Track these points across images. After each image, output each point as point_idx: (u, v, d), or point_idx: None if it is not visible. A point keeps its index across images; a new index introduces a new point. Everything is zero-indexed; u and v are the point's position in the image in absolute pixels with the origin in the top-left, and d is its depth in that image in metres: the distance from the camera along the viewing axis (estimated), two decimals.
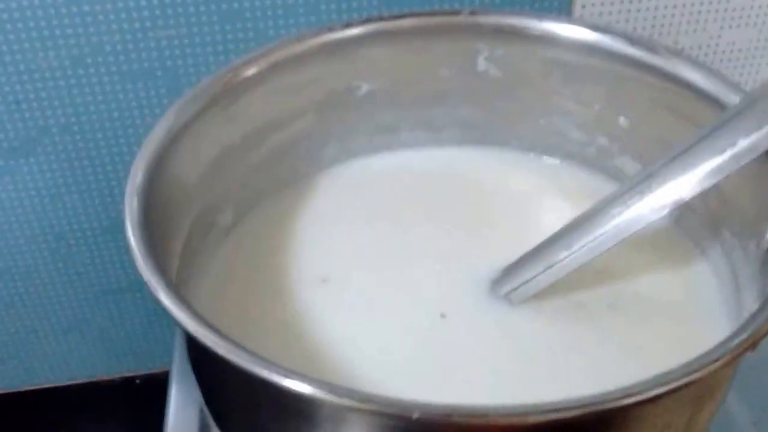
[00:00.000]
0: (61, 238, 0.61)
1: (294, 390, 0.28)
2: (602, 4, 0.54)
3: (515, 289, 0.40)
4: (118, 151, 0.57)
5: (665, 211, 0.36)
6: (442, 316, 0.40)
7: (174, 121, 0.39)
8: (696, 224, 0.44)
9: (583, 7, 0.54)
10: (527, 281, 0.39)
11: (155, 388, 0.52)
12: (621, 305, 0.41)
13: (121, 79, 0.54)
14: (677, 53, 0.41)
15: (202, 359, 0.36)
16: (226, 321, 0.40)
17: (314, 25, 0.48)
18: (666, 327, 0.40)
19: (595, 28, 0.44)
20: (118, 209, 0.57)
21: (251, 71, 0.43)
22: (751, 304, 0.36)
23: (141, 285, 0.32)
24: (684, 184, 0.35)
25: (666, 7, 0.56)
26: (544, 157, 0.50)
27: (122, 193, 0.36)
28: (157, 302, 0.31)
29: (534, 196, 0.49)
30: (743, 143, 0.34)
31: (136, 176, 0.36)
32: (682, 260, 0.43)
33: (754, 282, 0.37)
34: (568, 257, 0.38)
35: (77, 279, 0.64)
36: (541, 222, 0.47)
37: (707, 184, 0.35)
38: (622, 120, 0.44)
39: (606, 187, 0.44)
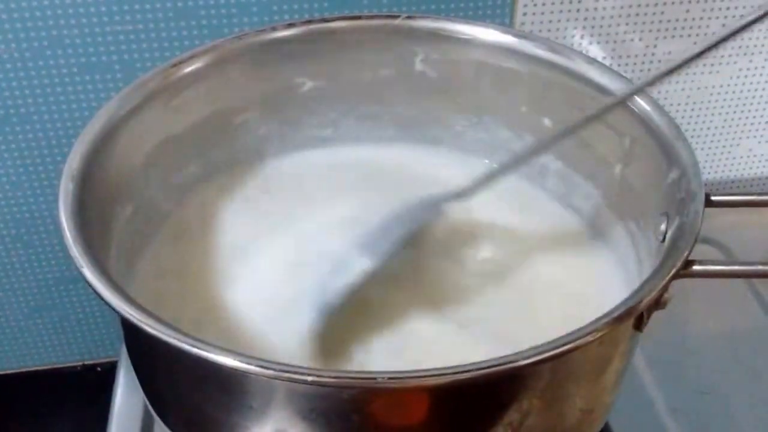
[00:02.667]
0: (21, 224, 0.62)
1: (188, 351, 0.30)
2: (542, 13, 0.57)
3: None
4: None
5: None
6: None
7: (114, 111, 0.41)
8: (605, 216, 0.46)
9: (524, 14, 0.56)
10: None
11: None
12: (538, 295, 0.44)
13: (80, 71, 0.55)
14: (590, 60, 0.43)
15: (130, 335, 0.37)
16: (164, 301, 0.42)
17: (266, 24, 0.50)
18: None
19: (517, 34, 0.46)
20: None
21: (193, 66, 0.45)
22: None
23: None
24: None
25: (603, 18, 0.58)
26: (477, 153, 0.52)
27: None
28: (82, 278, 0.33)
29: None
30: None
31: (73, 161, 0.38)
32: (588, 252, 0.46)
33: None
34: None
35: (38, 266, 0.65)
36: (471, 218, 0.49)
37: None
38: (546, 121, 0.46)
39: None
